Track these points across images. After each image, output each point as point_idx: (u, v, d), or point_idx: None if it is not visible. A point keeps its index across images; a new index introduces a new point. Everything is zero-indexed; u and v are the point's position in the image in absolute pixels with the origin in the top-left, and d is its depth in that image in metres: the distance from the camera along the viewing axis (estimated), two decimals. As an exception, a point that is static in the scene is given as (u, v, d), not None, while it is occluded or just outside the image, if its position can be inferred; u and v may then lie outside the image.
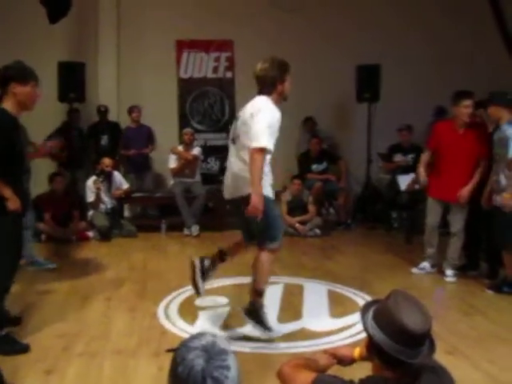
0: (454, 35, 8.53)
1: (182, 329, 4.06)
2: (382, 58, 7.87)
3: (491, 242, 5.20)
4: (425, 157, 5.54)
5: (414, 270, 5.60)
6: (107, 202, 7.20)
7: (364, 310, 1.88)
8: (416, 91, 8.17)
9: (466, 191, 5.15)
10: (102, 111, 8.00)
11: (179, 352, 1.37)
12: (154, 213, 8.21)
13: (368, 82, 7.85)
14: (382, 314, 1.78)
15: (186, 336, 1.48)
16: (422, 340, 1.74)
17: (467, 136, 5.21)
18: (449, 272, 5.37)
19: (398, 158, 7.59)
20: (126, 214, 8.11)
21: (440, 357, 2.59)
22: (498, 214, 4.79)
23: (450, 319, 4.29)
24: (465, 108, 5.13)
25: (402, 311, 1.72)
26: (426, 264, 5.58)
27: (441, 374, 1.87)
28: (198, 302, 4.60)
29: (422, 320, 1.72)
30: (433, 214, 5.48)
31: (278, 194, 7.67)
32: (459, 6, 8.45)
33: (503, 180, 4.73)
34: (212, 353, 1.34)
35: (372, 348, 1.81)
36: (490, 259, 5.40)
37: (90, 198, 7.13)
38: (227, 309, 4.51)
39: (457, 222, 5.35)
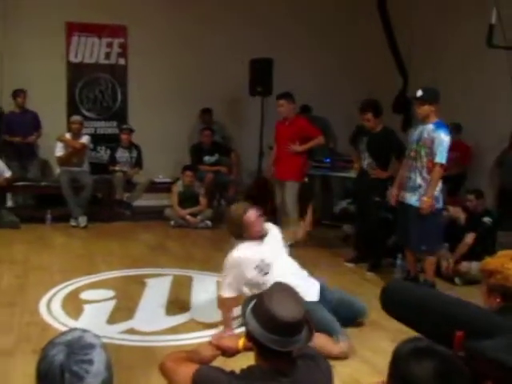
0: (344, 36, 8.85)
1: (65, 324, 3.90)
2: (274, 52, 7.99)
3: (376, 236, 5.54)
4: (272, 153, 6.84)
5: None
6: (-14, 190, 6.77)
7: (246, 302, 1.92)
8: (308, 86, 8.38)
9: (294, 146, 6.30)
10: (-18, 94, 7.50)
11: (44, 349, 1.34)
12: (31, 202, 7.83)
13: (261, 76, 7.94)
14: (257, 305, 1.82)
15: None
16: (294, 329, 1.79)
17: (292, 126, 6.33)
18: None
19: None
20: (9, 203, 7.66)
21: (320, 345, 2.69)
22: (406, 211, 4.80)
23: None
24: (278, 106, 6.36)
25: (274, 301, 1.78)
26: None
27: (318, 361, 1.94)
28: (83, 295, 4.47)
29: (293, 309, 1.78)
30: (277, 195, 6.53)
31: (169, 185, 7.67)
32: (354, 11, 8.76)
33: (419, 180, 4.71)
34: (75, 347, 1.32)
35: (249, 338, 1.85)
36: (375, 251, 5.67)
37: None
38: (113, 302, 4.40)
39: (288, 199, 6.33)
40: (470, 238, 5.28)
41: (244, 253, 3.74)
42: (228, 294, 3.73)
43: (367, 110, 5.45)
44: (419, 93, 4.73)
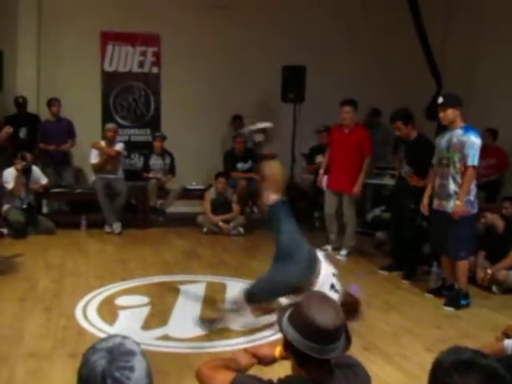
0: (378, 43, 8.77)
1: (100, 329, 3.95)
2: (307, 60, 7.98)
3: (412, 244, 5.49)
4: (324, 159, 6.60)
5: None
6: (24, 197, 6.90)
7: (281, 310, 1.90)
8: (340, 94, 8.34)
9: (357, 187, 6.12)
10: (20, 102, 7.65)
11: (85, 354, 1.35)
12: (66, 208, 7.97)
13: (293, 83, 7.94)
14: (295, 313, 1.80)
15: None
16: (333, 336, 1.76)
17: (352, 135, 6.17)
18: (342, 252, 6.31)
19: (320, 158, 7.71)
20: (45, 210, 7.81)
21: (357, 352, 2.67)
22: (443, 219, 4.70)
23: (367, 316, 4.41)
24: (344, 113, 6.15)
25: (313, 308, 1.75)
26: (328, 247, 6.36)
27: (356, 371, 1.91)
28: (118, 301, 4.51)
29: (332, 317, 1.75)
30: (329, 204, 6.38)
31: (202, 192, 7.71)
32: (386, 18, 8.69)
33: (452, 186, 4.64)
34: (116, 354, 1.31)
35: (286, 346, 1.83)
36: (411, 259, 5.59)
37: (10, 184, 6.77)
38: (147, 308, 4.43)
39: (348, 212, 6.30)
40: None
41: None
42: None
43: (396, 119, 5.44)
44: (440, 99, 4.74)
